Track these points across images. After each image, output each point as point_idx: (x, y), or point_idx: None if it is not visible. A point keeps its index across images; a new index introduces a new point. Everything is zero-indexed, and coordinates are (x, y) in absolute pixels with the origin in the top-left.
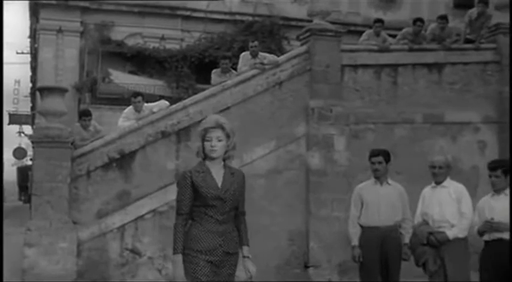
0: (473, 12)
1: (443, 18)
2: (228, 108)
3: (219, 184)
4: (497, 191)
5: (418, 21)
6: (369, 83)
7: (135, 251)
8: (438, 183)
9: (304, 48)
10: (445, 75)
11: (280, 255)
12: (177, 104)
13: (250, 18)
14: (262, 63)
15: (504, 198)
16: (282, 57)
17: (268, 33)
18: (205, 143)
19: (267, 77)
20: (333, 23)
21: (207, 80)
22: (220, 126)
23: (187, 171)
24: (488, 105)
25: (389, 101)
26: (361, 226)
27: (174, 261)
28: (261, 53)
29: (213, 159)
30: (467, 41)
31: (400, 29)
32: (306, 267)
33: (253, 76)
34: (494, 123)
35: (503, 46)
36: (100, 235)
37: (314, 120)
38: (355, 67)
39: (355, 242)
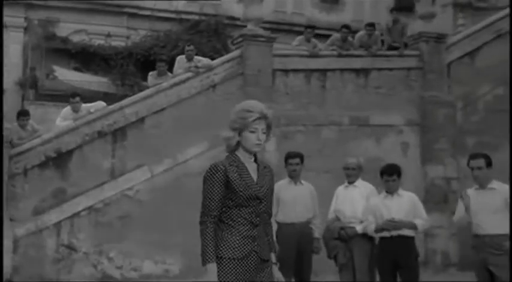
0: (389, 20)
1: (371, 25)
2: (163, 109)
3: (255, 180)
4: (391, 192)
5: (344, 27)
6: (299, 86)
7: (71, 247)
8: (350, 183)
9: (237, 52)
10: (371, 80)
11: None
12: (114, 104)
13: (197, 17)
14: (196, 67)
15: (397, 199)
16: (216, 61)
17: (213, 32)
18: (249, 134)
19: (201, 80)
20: (278, 23)
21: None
22: (265, 117)
23: (218, 164)
24: (411, 108)
25: (318, 104)
26: (278, 223)
27: (209, 271)
28: (196, 57)
29: (250, 153)
30: (391, 48)
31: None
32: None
33: (188, 79)
34: (417, 126)
35: (425, 53)
36: (36, 232)
37: None
38: (286, 71)
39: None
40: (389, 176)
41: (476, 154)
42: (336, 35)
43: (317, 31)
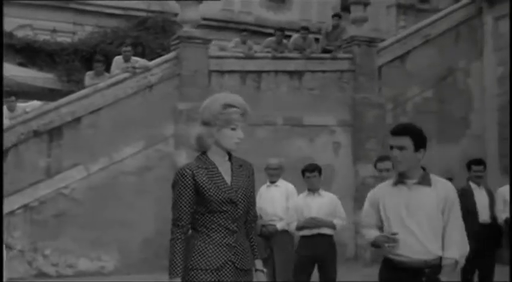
0: (329, 24)
1: (306, 29)
2: (99, 109)
3: (229, 182)
4: (312, 190)
5: (278, 31)
6: (234, 87)
7: (6, 245)
8: (272, 182)
9: (173, 54)
10: (305, 82)
11: (149, 248)
12: (50, 104)
13: (144, 14)
14: (134, 67)
15: (319, 199)
16: (153, 62)
17: (161, 29)
18: (229, 131)
19: (138, 80)
20: (225, 21)
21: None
22: (245, 111)
23: (185, 168)
24: (343, 109)
25: (253, 104)
26: None
27: None
28: (133, 58)
29: (225, 151)
30: (326, 51)
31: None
32: None
33: (125, 79)
34: (348, 126)
35: (357, 56)
36: None
37: (182, 121)
38: (222, 73)
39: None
40: (310, 172)
41: (383, 157)
42: (271, 38)
43: (265, 30)
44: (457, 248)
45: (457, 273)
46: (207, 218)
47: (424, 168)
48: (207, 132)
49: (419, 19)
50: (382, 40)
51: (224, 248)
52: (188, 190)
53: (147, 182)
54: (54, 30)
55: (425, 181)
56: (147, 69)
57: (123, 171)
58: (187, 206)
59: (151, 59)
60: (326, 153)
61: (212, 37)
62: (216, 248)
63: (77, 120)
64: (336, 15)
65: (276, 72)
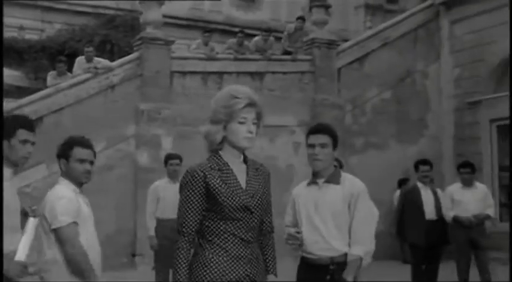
0: (291, 27)
1: (267, 31)
2: (61, 109)
3: (243, 186)
4: None
5: (240, 33)
6: (196, 88)
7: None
8: None
9: (136, 54)
10: (266, 83)
11: (109, 246)
12: (12, 103)
13: (113, 12)
14: (96, 68)
15: None
16: (115, 63)
17: (130, 27)
18: (237, 126)
19: (100, 81)
20: (195, 20)
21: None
22: (255, 104)
23: (196, 168)
24: (303, 110)
25: None
26: (158, 219)
27: None
28: (95, 58)
29: (238, 150)
30: (287, 53)
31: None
32: (133, 255)
33: (87, 79)
34: (308, 127)
35: (317, 58)
36: None
37: (144, 122)
38: (184, 73)
39: (152, 232)
40: None
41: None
42: (233, 40)
43: (235, 29)
44: (361, 245)
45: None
46: (219, 225)
47: (336, 166)
48: (214, 128)
49: (387, 19)
50: (344, 41)
51: (240, 261)
52: (198, 194)
53: (108, 181)
54: (21, 28)
55: (334, 179)
56: (109, 69)
57: None
58: (194, 212)
59: (120, 57)
60: (286, 153)
61: (181, 36)
62: (230, 261)
63: (40, 119)
64: (300, 18)
65: (238, 73)
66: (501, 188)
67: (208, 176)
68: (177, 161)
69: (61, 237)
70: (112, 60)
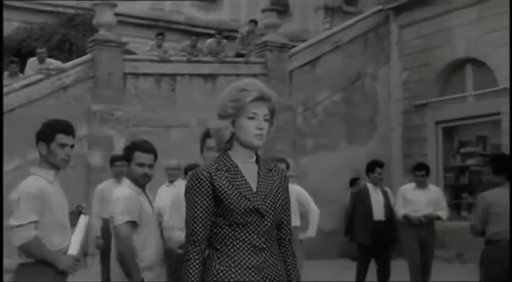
0: (244, 30)
1: (220, 33)
2: (13, 109)
3: (254, 188)
4: None
5: (194, 35)
6: (149, 90)
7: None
8: (171, 182)
9: (88, 56)
10: (219, 85)
11: None
12: None
13: (73, 11)
14: (48, 69)
15: None
16: (68, 64)
17: (89, 27)
18: (246, 121)
19: (52, 82)
20: (156, 20)
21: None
22: (267, 98)
23: (201, 170)
24: None
25: (167, 106)
26: (104, 219)
27: None
28: (48, 59)
29: (249, 149)
30: (240, 55)
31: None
32: (85, 255)
33: (40, 80)
34: None
35: (269, 61)
36: None
37: (96, 123)
38: (137, 75)
39: (98, 233)
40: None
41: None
42: (186, 42)
43: (196, 30)
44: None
45: None
46: (227, 232)
47: None
48: (222, 124)
49: (346, 21)
50: (294, 46)
51: (250, 272)
52: (205, 197)
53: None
54: None
55: None
56: (61, 70)
57: None
58: (203, 217)
59: (79, 56)
60: None
61: (141, 35)
62: (242, 271)
63: None
64: (252, 21)
65: (191, 75)
66: (446, 188)
67: (214, 177)
68: (122, 162)
69: (116, 234)
70: (70, 59)
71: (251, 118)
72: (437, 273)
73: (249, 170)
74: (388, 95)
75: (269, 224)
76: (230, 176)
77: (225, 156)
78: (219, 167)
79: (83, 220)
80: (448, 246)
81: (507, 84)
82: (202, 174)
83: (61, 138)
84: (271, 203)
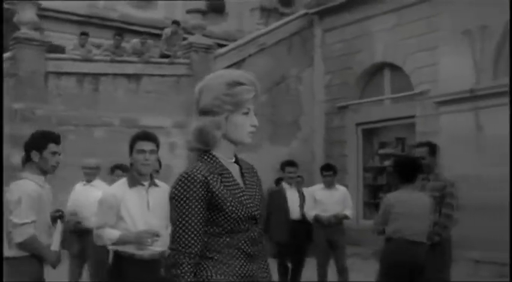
0: (168, 31)
1: (120, 35)
2: None
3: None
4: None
5: (117, 35)
6: (72, 89)
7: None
8: (88, 181)
9: (10, 54)
10: (143, 85)
11: None
12: None
13: (5, 6)
14: None
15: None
16: None
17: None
18: (241, 118)
19: None
20: (89, 16)
21: None
22: (257, 90)
23: (194, 172)
24: (179, 112)
25: (90, 105)
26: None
27: None
28: None
29: (233, 148)
30: (165, 56)
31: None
32: None
33: None
34: (183, 128)
35: (194, 62)
36: None
37: (17, 121)
38: (59, 74)
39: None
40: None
41: None
42: (110, 42)
43: (130, 27)
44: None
45: None
46: (223, 241)
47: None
48: (212, 123)
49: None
50: (225, 46)
51: (246, 280)
52: (199, 204)
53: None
54: None
55: (155, 183)
56: None
57: None
58: (197, 227)
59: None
60: (163, 154)
61: (76, 32)
62: (237, 279)
63: None
64: (175, 23)
65: (114, 75)
66: (365, 187)
67: (210, 181)
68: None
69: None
70: None
71: (245, 113)
72: (355, 271)
73: (234, 171)
74: (312, 97)
75: (259, 230)
76: (225, 180)
77: (211, 157)
78: (211, 169)
79: (60, 222)
80: (365, 244)
81: (422, 89)
82: (198, 178)
83: (52, 147)
84: (260, 209)
